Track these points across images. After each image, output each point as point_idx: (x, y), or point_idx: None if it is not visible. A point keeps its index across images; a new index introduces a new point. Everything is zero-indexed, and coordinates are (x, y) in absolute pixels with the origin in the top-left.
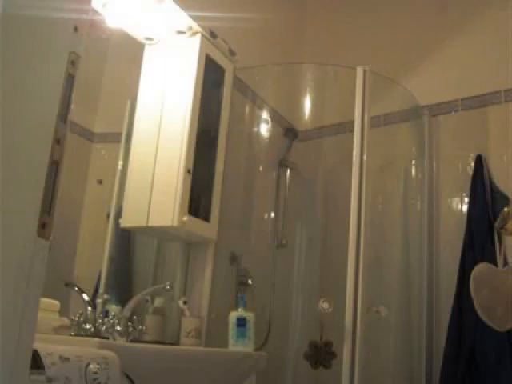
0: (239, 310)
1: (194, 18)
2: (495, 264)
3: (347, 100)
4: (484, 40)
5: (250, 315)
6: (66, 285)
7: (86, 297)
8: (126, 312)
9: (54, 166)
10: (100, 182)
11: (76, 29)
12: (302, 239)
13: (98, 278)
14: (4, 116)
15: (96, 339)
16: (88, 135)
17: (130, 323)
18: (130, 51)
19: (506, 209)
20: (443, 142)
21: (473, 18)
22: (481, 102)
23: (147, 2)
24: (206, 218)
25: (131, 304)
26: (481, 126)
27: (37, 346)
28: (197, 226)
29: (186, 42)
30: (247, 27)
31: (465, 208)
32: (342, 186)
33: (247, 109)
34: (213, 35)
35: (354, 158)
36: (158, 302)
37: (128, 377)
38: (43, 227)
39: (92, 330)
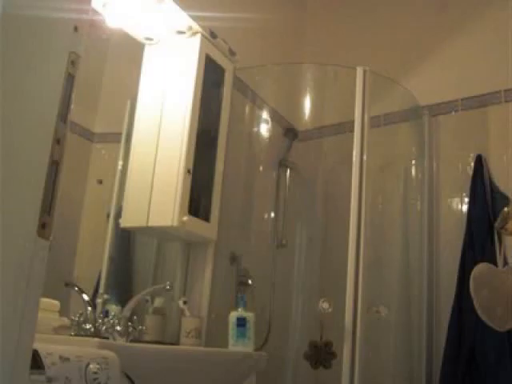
0: (239, 309)
1: (194, 18)
2: (495, 264)
3: (347, 100)
4: (484, 40)
5: (250, 315)
6: (66, 285)
7: (85, 297)
8: (126, 312)
9: (54, 166)
10: (100, 182)
11: (76, 29)
12: (302, 239)
13: (98, 277)
14: (4, 116)
15: (96, 339)
16: (88, 135)
17: (130, 323)
18: (130, 51)
19: (506, 209)
20: (443, 142)
21: (473, 18)
22: (481, 101)
23: (147, 2)
24: (206, 218)
25: (131, 304)
26: (481, 126)
27: (37, 346)
28: (197, 226)
29: (186, 42)
30: (247, 27)
31: (465, 208)
32: (342, 185)
33: (247, 109)
34: (213, 35)
35: (354, 158)
36: (158, 302)
37: (128, 377)
38: (43, 227)
39: (92, 330)
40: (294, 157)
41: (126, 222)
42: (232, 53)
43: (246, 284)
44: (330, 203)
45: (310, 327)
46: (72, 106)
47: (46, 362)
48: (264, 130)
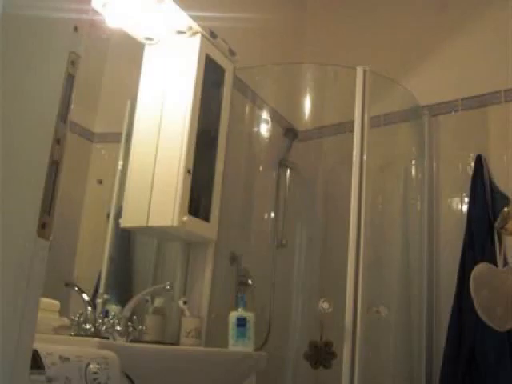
0: (239, 309)
1: (194, 18)
2: (495, 264)
3: (347, 100)
4: (484, 40)
5: (250, 315)
6: (66, 285)
7: (85, 297)
8: (126, 312)
9: (54, 166)
10: (100, 181)
11: (76, 29)
12: (302, 239)
13: (98, 277)
14: (4, 116)
15: (96, 339)
16: (88, 135)
17: (130, 323)
18: (130, 51)
19: (506, 209)
20: (443, 142)
21: (473, 18)
22: (481, 101)
23: (147, 2)
24: (206, 218)
25: (131, 304)
26: (481, 126)
27: (37, 346)
28: (197, 226)
29: (186, 42)
30: (247, 27)
31: (465, 208)
32: (342, 185)
33: (247, 109)
34: (213, 35)
35: (354, 158)
36: (158, 302)
37: (128, 377)
38: (43, 227)
39: (92, 330)
40: (294, 157)
41: (126, 221)
42: (232, 53)
43: (246, 284)
44: (330, 203)
45: (310, 327)
46: (72, 106)
47: (46, 362)
48: (264, 130)
